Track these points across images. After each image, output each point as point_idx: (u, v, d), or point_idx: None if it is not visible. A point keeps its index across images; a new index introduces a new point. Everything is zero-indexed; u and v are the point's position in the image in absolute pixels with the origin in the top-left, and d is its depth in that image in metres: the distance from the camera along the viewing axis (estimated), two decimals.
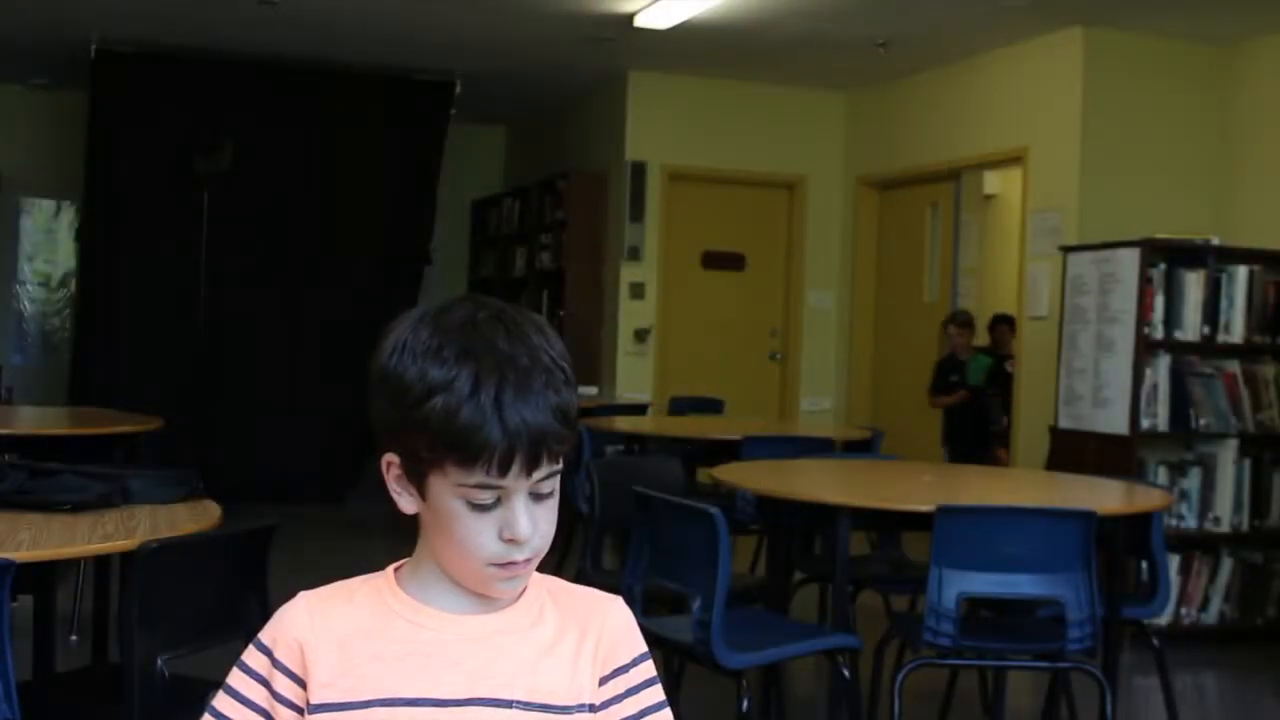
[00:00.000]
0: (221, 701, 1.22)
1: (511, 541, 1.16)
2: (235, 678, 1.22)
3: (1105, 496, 3.77)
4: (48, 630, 3.04)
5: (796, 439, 5.12)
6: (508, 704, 1.18)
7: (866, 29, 7.30)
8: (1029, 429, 7.04)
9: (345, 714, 1.17)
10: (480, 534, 1.16)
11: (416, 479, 1.18)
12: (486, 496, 1.15)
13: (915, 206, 8.65)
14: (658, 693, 1.26)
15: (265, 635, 1.22)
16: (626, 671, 1.25)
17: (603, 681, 1.23)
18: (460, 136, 9.60)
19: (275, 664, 1.20)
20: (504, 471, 1.13)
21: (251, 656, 1.22)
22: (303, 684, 1.19)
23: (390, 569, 1.26)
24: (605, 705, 1.23)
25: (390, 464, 1.19)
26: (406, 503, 1.20)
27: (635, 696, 1.25)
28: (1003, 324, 8.10)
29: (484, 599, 1.21)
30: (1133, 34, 6.97)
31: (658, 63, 8.38)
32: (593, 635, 1.24)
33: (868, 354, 9.02)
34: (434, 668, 1.18)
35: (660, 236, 8.74)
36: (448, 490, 1.15)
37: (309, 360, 8.57)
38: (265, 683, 1.20)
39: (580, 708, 1.21)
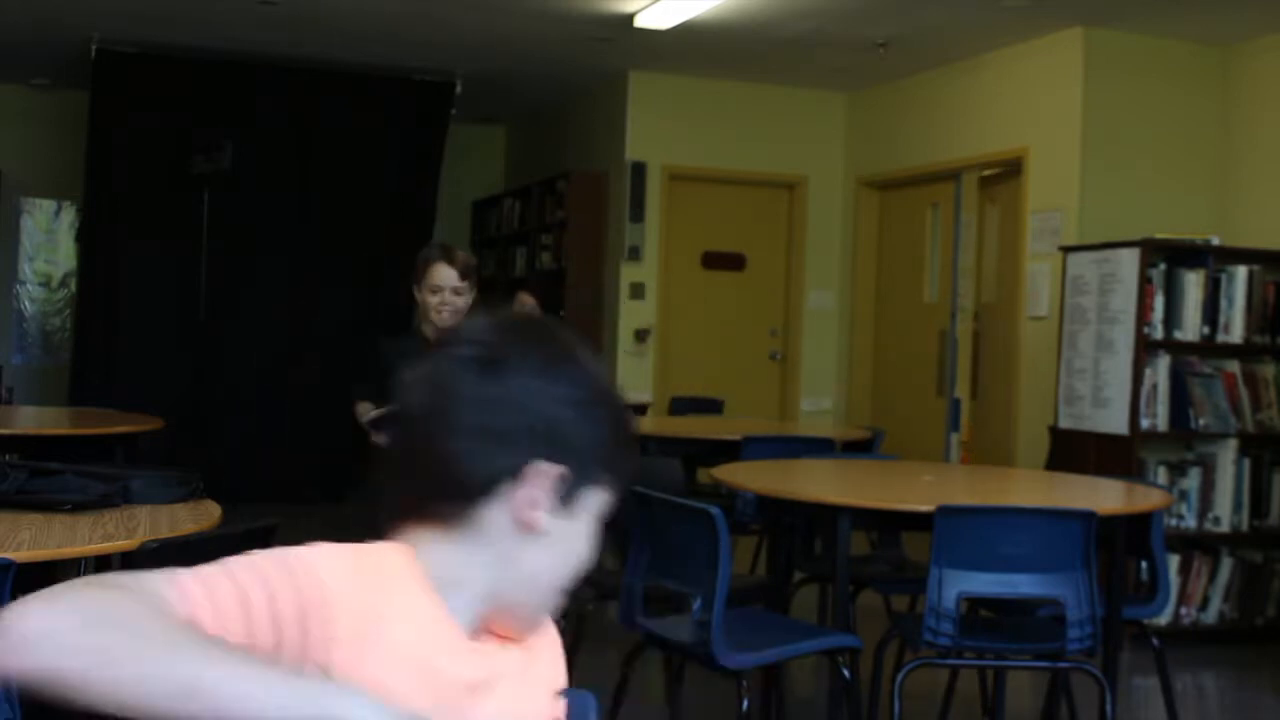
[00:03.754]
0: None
1: None
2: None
3: (1105, 496, 3.77)
4: None
5: (796, 439, 5.12)
6: None
7: (866, 29, 7.29)
8: (1029, 429, 7.04)
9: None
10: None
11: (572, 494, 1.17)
12: None
13: (915, 206, 8.64)
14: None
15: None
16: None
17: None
18: (460, 136, 9.60)
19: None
20: None
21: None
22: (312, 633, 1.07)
23: (426, 591, 1.14)
24: None
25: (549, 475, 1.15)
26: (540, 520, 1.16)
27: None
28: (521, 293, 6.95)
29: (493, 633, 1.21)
30: (1133, 34, 6.97)
31: (658, 63, 8.37)
32: (546, 653, 1.26)
33: (868, 354, 9.02)
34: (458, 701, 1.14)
35: (660, 236, 8.74)
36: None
37: (309, 360, 8.57)
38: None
39: None
